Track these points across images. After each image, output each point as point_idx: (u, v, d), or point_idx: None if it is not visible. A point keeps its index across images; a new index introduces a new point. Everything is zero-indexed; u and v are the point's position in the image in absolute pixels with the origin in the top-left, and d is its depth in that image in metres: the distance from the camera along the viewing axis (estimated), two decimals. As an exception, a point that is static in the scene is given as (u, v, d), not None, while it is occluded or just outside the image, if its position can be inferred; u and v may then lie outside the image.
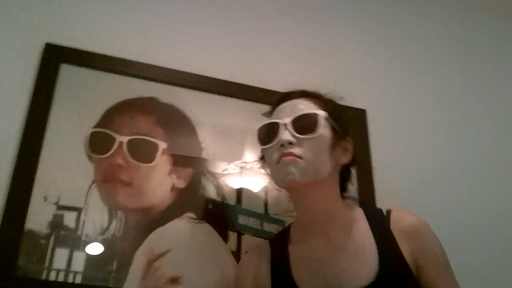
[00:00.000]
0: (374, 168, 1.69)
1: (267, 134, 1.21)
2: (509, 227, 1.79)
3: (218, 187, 1.54)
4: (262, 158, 1.28)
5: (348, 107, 1.75)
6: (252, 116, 1.63)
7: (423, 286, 1.13)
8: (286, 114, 1.19)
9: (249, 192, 1.56)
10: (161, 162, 1.50)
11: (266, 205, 1.55)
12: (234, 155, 1.61)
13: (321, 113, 1.18)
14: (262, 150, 1.25)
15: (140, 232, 1.41)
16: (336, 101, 1.28)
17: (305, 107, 1.20)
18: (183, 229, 1.44)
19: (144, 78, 1.62)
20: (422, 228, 1.18)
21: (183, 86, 1.65)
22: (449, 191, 1.79)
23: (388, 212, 1.22)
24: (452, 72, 2.07)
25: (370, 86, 1.92)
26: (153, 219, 1.43)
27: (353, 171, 1.33)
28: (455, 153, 1.89)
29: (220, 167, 1.57)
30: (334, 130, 1.20)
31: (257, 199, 1.56)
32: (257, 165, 1.58)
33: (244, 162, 1.61)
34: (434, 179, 1.80)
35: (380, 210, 1.24)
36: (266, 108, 1.65)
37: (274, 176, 1.20)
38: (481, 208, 1.80)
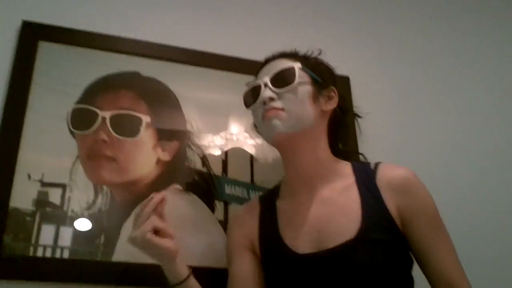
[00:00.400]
0: (358, 135, 1.69)
1: (251, 97, 1.24)
2: (493, 194, 1.81)
3: (204, 159, 1.53)
4: (255, 125, 1.31)
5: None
6: (237, 87, 1.59)
7: (413, 241, 1.14)
8: (265, 75, 1.23)
9: (235, 162, 1.56)
10: (145, 136, 1.50)
11: (252, 174, 1.55)
12: (220, 127, 1.60)
13: (297, 65, 1.21)
14: (252, 115, 1.28)
15: (126, 206, 1.41)
16: (314, 55, 1.31)
17: (283, 65, 1.23)
18: (169, 200, 1.41)
19: (125, 53, 1.60)
20: (409, 181, 1.18)
21: (165, 59, 1.64)
22: (432, 155, 1.80)
23: (376, 165, 1.22)
24: (436, 38, 2.06)
25: (353, 53, 1.91)
26: (139, 193, 1.42)
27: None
28: (438, 118, 1.89)
29: (205, 139, 1.57)
30: (313, 79, 1.22)
31: (243, 169, 1.56)
32: (242, 135, 1.59)
33: (229, 133, 1.60)
34: (417, 143, 1.81)
35: (369, 164, 1.25)
36: (250, 78, 1.65)
37: (263, 134, 1.25)
38: (466, 171, 1.81)
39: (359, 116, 1.42)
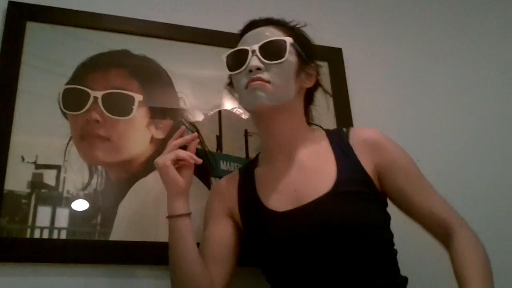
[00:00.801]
0: (352, 106, 1.69)
1: (235, 60, 1.24)
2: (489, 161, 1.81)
3: (198, 136, 1.52)
4: (230, 84, 1.34)
5: (324, 46, 1.75)
6: None
7: (396, 192, 1.19)
8: (253, 41, 1.22)
9: (229, 138, 1.56)
10: (138, 114, 1.49)
11: (246, 149, 1.55)
12: (213, 103, 1.59)
13: (288, 39, 1.22)
14: (230, 76, 1.30)
15: (122, 185, 1.41)
16: (301, 27, 1.32)
17: (271, 34, 1.24)
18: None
19: (114, 31, 1.58)
20: (381, 138, 1.24)
21: (155, 36, 1.62)
22: (422, 126, 1.80)
23: (348, 128, 1.28)
24: (429, 11, 2.04)
25: (345, 25, 1.90)
26: (134, 171, 1.43)
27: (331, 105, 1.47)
28: (429, 89, 1.89)
29: (199, 116, 1.56)
30: (299, 55, 1.24)
31: (237, 144, 1.56)
32: (236, 110, 1.58)
33: (223, 109, 1.59)
34: (408, 114, 1.81)
35: (341, 128, 1.30)
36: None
37: (243, 100, 1.25)
38: (459, 144, 1.82)
39: (330, 95, 1.50)
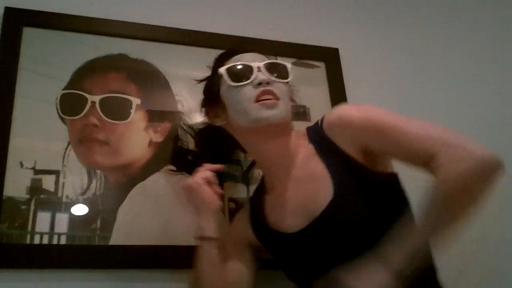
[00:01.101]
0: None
1: (239, 74, 1.21)
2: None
3: (196, 139, 1.52)
4: (207, 102, 1.31)
5: (321, 46, 1.76)
6: None
7: (380, 149, 1.12)
8: (253, 59, 1.23)
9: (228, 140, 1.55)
10: (137, 118, 1.49)
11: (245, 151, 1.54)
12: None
13: (288, 64, 1.26)
14: (208, 93, 1.30)
15: (121, 189, 1.41)
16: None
17: (267, 57, 1.27)
18: (164, 181, 1.44)
19: (111, 35, 1.58)
20: (344, 114, 1.15)
21: (152, 40, 1.62)
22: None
23: (321, 119, 1.21)
24: (426, 9, 2.04)
25: (342, 25, 1.90)
26: (133, 175, 1.43)
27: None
28: (427, 87, 1.89)
29: (197, 119, 1.55)
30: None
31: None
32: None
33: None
34: (406, 113, 1.78)
35: (317, 122, 1.23)
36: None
37: (249, 115, 1.18)
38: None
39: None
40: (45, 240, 1.30)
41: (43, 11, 1.53)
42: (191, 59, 1.63)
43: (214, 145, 1.41)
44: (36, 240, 1.30)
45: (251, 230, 1.30)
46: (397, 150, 1.09)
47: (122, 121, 1.47)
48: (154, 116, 1.51)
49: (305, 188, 1.17)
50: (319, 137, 1.19)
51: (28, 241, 1.29)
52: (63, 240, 1.32)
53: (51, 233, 1.31)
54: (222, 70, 1.23)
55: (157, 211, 1.40)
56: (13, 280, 1.25)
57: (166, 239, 1.37)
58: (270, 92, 1.17)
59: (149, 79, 1.56)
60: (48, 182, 1.36)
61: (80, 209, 1.36)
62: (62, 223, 1.33)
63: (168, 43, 1.63)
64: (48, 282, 1.27)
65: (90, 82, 1.49)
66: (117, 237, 1.35)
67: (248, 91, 1.19)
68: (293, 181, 1.21)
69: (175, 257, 1.35)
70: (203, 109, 1.33)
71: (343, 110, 1.17)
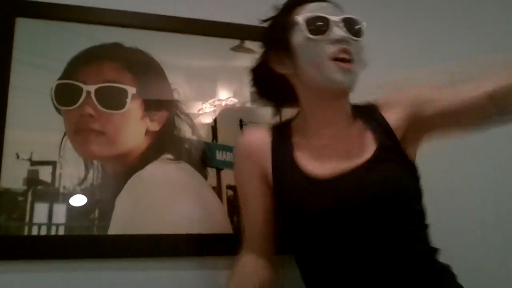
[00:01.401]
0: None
1: (318, 26, 1.17)
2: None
3: (193, 127, 1.52)
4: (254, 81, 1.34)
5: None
6: (222, 52, 1.61)
7: (439, 123, 1.20)
8: (330, 12, 1.19)
9: (224, 128, 1.55)
10: (133, 107, 1.48)
11: (242, 138, 1.54)
12: (208, 93, 1.58)
13: (363, 22, 1.21)
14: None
15: (119, 179, 1.40)
16: None
17: (343, 10, 1.22)
18: (162, 170, 1.44)
19: (105, 24, 1.56)
20: (395, 95, 1.26)
21: (146, 28, 1.60)
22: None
23: (376, 101, 1.28)
24: (425, 7, 2.00)
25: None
26: (130, 165, 1.42)
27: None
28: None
29: (193, 107, 1.55)
30: None
31: (233, 134, 1.54)
32: (231, 100, 1.58)
33: (218, 99, 1.59)
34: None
35: (369, 102, 1.29)
36: (234, 42, 1.64)
37: (324, 72, 1.16)
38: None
39: None
40: (43, 231, 1.30)
41: (36, 1, 1.51)
42: (186, 47, 1.61)
43: (271, 84, 1.34)
44: (34, 232, 1.30)
45: (270, 161, 1.24)
46: (457, 104, 1.14)
47: (118, 111, 1.46)
48: (150, 105, 1.50)
49: (347, 144, 1.20)
50: (367, 109, 1.25)
51: (26, 233, 1.29)
52: (61, 231, 1.32)
53: (49, 224, 1.31)
54: (300, 19, 1.18)
55: (155, 200, 1.39)
56: (13, 272, 1.26)
57: (164, 228, 1.37)
58: (347, 51, 1.15)
59: (144, 68, 1.54)
60: (45, 173, 1.36)
61: (77, 200, 1.36)
62: (60, 214, 1.33)
63: (162, 31, 1.61)
64: (47, 272, 1.28)
65: (85, 72, 1.48)
66: (116, 227, 1.35)
67: (326, 47, 1.16)
68: (337, 138, 1.21)
69: (173, 246, 1.36)
70: (264, 52, 1.30)
71: (398, 91, 1.26)
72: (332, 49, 1.15)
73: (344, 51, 1.15)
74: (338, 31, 1.15)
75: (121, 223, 1.35)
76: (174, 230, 1.38)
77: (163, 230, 1.36)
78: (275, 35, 1.24)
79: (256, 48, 1.61)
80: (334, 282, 1.13)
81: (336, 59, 1.14)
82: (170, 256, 1.35)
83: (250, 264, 1.26)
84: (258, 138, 1.29)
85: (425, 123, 1.20)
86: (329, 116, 1.22)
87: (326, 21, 1.17)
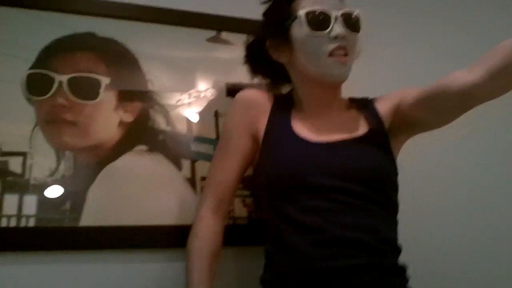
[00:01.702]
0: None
1: (317, 22, 1.20)
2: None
3: (168, 118, 1.51)
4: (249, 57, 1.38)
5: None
6: (199, 43, 1.60)
7: (415, 110, 1.22)
8: (330, 6, 1.21)
9: (199, 119, 1.54)
10: (106, 98, 1.46)
11: (217, 130, 1.53)
12: (184, 85, 1.56)
13: (362, 16, 1.24)
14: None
15: (91, 170, 1.38)
16: None
17: (343, 3, 1.26)
18: (135, 162, 1.42)
19: (78, 12, 1.53)
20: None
21: (121, 18, 1.57)
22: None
23: (372, 98, 1.35)
24: (426, 4, 2.01)
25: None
26: (103, 156, 1.41)
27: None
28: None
29: (168, 98, 1.53)
30: None
31: (208, 125, 1.54)
32: (207, 92, 1.57)
33: (194, 90, 1.57)
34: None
35: (366, 97, 1.36)
36: (211, 33, 1.62)
37: (320, 68, 1.21)
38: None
39: None
40: (13, 223, 1.28)
41: (7, -12, 1.49)
42: (162, 37, 1.59)
43: (265, 64, 1.37)
44: (3, 223, 1.27)
45: (266, 120, 1.28)
46: (431, 87, 1.17)
47: (91, 101, 1.44)
48: (124, 96, 1.48)
49: (340, 123, 1.26)
50: (363, 102, 1.33)
51: (-5, 224, 1.26)
52: (31, 223, 1.29)
53: (19, 215, 1.29)
54: (302, 13, 1.21)
55: (128, 192, 1.38)
56: (-18, 264, 1.23)
57: (137, 219, 1.36)
58: (343, 48, 1.19)
59: (118, 58, 1.52)
60: (15, 164, 1.33)
61: (49, 191, 1.34)
62: (30, 206, 1.30)
63: (137, 21, 1.59)
64: (17, 264, 1.25)
65: (57, 62, 1.45)
66: (88, 219, 1.33)
67: (324, 43, 1.20)
68: (331, 118, 1.27)
69: (146, 238, 1.35)
70: (261, 34, 1.32)
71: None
72: (330, 47, 1.19)
73: (340, 48, 1.19)
74: (338, 28, 1.19)
75: (93, 215, 1.34)
76: (147, 221, 1.36)
77: (136, 222, 1.35)
78: (274, 24, 1.27)
79: (233, 39, 1.62)
80: (306, 239, 1.13)
81: (333, 54, 1.19)
82: (143, 247, 1.34)
83: (210, 230, 1.27)
84: (263, 97, 1.32)
85: (406, 112, 1.24)
86: (324, 101, 1.29)
87: (326, 17, 1.19)
